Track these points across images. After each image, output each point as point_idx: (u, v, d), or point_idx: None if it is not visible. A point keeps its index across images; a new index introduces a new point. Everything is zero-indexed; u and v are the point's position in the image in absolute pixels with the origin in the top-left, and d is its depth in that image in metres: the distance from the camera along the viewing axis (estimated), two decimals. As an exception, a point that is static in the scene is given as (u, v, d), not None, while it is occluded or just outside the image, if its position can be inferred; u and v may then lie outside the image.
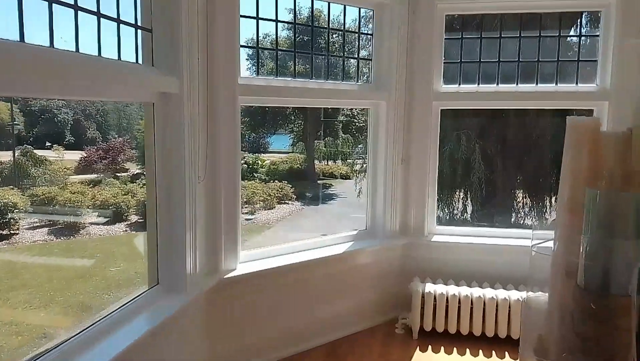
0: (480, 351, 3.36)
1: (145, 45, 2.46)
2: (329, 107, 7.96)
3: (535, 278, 2.35)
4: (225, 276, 2.88)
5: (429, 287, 3.49)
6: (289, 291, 3.21)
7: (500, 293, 3.40)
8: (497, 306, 3.36)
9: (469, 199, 7.39)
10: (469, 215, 7.39)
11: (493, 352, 3.33)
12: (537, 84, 3.67)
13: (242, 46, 2.96)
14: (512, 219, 7.49)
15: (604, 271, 1.82)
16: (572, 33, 5.39)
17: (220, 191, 2.83)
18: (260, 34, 3.13)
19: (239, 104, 2.90)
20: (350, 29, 3.73)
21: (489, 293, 3.42)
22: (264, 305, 3.10)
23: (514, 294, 3.38)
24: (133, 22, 2.36)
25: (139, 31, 2.41)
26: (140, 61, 2.42)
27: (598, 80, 3.53)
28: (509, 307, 3.35)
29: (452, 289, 3.47)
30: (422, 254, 3.77)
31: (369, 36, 3.73)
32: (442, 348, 3.40)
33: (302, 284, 3.28)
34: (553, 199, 7.26)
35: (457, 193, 7.37)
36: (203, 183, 2.70)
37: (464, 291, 3.45)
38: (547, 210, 7.35)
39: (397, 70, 3.59)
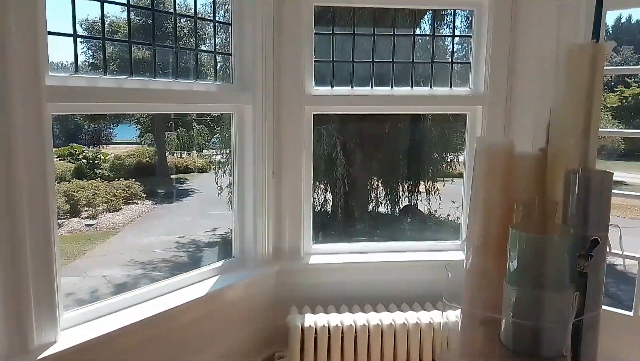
0: (368, 384, 3.03)
1: None
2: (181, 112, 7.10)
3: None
4: (40, 356, 2.05)
5: (309, 318, 3.05)
6: (139, 355, 2.48)
7: (385, 317, 3.10)
8: (382, 332, 3.06)
9: (329, 193, 7.48)
10: (330, 207, 7.47)
11: (380, 383, 3.03)
12: (412, 87, 3.42)
13: (51, 33, 2.12)
14: (370, 208, 7.96)
15: (533, 330, 1.51)
16: (417, 32, 5.40)
17: (24, 236, 1.97)
18: (96, 17, 2.29)
19: (48, 113, 2.06)
20: (201, 15, 3.06)
21: (373, 318, 3.10)
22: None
23: (399, 318, 3.11)
24: None
25: None
26: None
27: (471, 83, 3.39)
28: (395, 332, 3.07)
29: (333, 319, 3.07)
30: (299, 280, 3.31)
31: (227, 26, 3.09)
32: (327, 387, 2.99)
33: (156, 342, 2.56)
34: (405, 186, 7.98)
35: (319, 187, 7.35)
36: (-6, 232, 1.85)
37: (346, 319, 3.07)
38: (400, 197, 8.00)
39: (264, 68, 3.02)
